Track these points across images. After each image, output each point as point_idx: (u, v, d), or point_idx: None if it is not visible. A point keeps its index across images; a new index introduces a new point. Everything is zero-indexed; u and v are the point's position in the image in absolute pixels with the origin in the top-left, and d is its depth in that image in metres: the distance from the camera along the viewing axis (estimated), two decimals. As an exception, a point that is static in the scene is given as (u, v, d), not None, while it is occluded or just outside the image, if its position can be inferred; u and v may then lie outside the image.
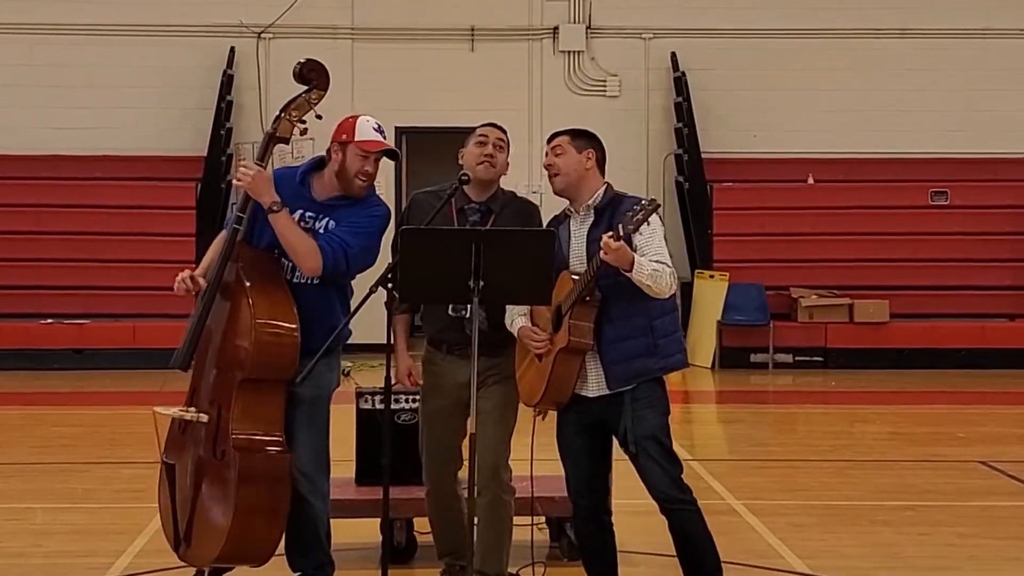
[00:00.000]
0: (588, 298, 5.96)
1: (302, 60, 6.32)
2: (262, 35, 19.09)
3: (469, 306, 5.97)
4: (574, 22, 19.36)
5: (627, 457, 6.13)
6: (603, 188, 6.23)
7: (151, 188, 18.47)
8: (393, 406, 6.52)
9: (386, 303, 6.00)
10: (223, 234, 6.40)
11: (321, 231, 6.22)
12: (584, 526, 6.41)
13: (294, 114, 6.26)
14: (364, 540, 7.55)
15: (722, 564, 6.22)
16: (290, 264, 6.21)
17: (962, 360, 17.55)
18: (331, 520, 6.52)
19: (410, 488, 7.21)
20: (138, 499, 7.14)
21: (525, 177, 17.73)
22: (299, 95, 6.30)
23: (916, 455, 11.46)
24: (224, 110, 18.77)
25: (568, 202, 6.28)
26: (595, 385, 6.09)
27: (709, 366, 17.51)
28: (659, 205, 5.91)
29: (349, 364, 14.88)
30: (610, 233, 5.75)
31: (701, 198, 18.63)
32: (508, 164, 6.70)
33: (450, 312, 6.44)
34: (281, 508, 6.04)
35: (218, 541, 5.95)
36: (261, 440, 6.02)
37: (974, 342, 17.81)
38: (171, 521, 6.14)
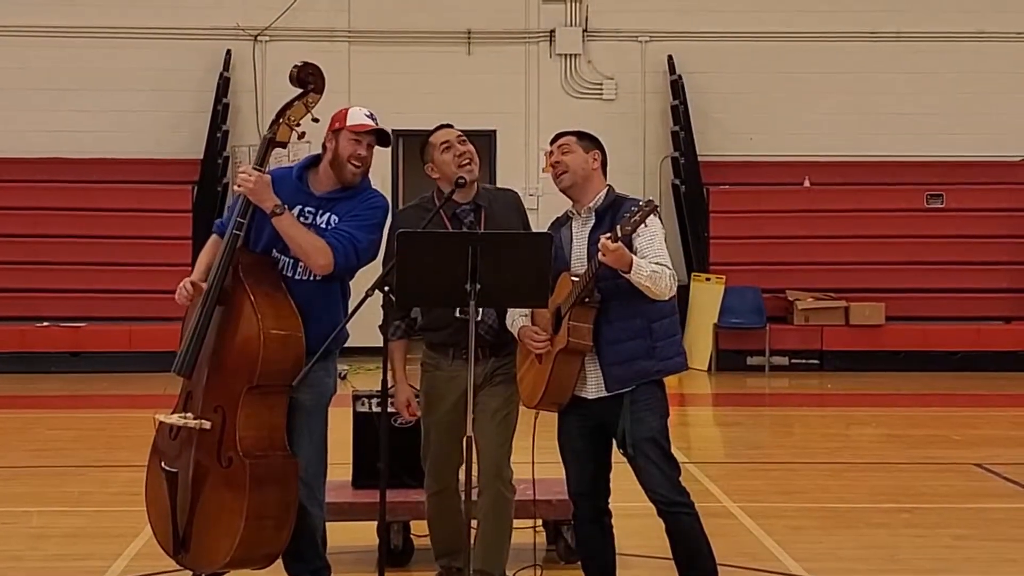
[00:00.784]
0: (587, 299, 5.97)
1: (299, 63, 6.33)
2: (258, 38, 19.10)
3: (480, 308, 5.99)
4: (571, 25, 19.37)
5: (624, 459, 6.15)
6: (605, 190, 6.26)
7: (147, 191, 18.46)
8: (390, 409, 6.51)
9: (383, 305, 6.01)
10: (214, 238, 6.41)
11: (323, 226, 6.22)
12: (584, 527, 6.41)
13: (292, 118, 6.27)
14: (361, 543, 7.56)
15: (718, 567, 6.23)
16: (289, 261, 6.21)
17: (958, 363, 17.57)
18: (328, 523, 6.52)
19: (407, 491, 7.23)
20: (135, 502, 7.11)
21: (522, 179, 17.78)
22: (296, 98, 6.30)
23: (912, 457, 11.48)
24: (220, 113, 18.78)
25: (570, 204, 6.30)
26: (594, 387, 6.10)
27: (705, 369, 17.53)
28: (657, 206, 5.92)
29: (346, 367, 14.92)
30: (608, 234, 5.77)
31: (697, 201, 18.64)
32: None
33: (458, 315, 6.34)
34: (290, 511, 6.06)
35: (228, 546, 5.96)
36: (269, 445, 6.04)
37: (970, 345, 17.82)
38: (169, 527, 6.13)
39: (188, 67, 19.02)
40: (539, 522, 7.48)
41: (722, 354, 17.70)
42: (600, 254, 5.77)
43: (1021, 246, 18.53)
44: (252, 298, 6.01)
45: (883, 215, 18.61)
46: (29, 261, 17.96)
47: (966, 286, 18.31)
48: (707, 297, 17.82)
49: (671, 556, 6.23)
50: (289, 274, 6.22)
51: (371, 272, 6.15)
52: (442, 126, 6.74)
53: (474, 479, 6.00)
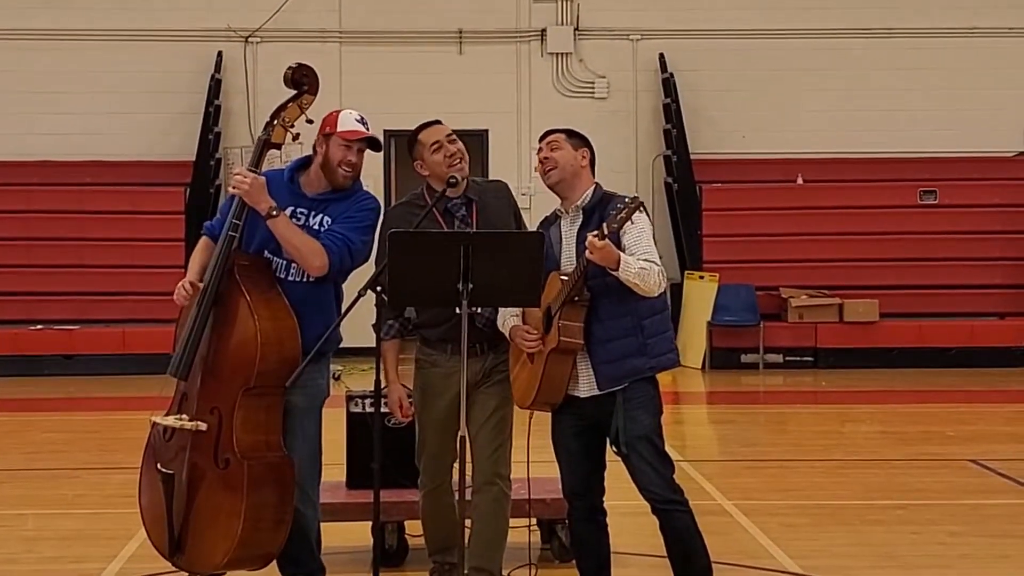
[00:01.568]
0: (577, 298, 5.97)
1: (293, 64, 6.34)
2: (249, 39, 19.08)
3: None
4: (562, 24, 19.37)
5: (618, 457, 6.14)
6: (592, 188, 6.25)
7: (140, 193, 18.43)
8: (383, 409, 6.50)
9: (376, 304, 6.01)
10: (205, 240, 6.39)
11: (315, 227, 6.23)
12: (579, 526, 6.40)
13: (286, 119, 6.28)
14: (355, 544, 7.56)
15: (713, 564, 6.23)
16: (282, 262, 6.22)
17: (952, 359, 17.56)
18: (322, 524, 6.52)
19: (401, 491, 7.22)
20: (129, 504, 7.09)
21: (514, 179, 17.75)
22: (290, 100, 6.32)
23: (907, 454, 11.48)
24: (212, 115, 18.76)
25: (559, 202, 6.29)
26: (586, 386, 6.10)
27: (699, 367, 17.51)
28: (642, 203, 5.93)
29: (339, 368, 14.87)
30: (595, 232, 5.76)
31: (690, 199, 18.64)
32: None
33: (457, 310, 6.35)
34: (287, 512, 6.08)
35: (225, 547, 5.96)
36: (266, 447, 6.05)
37: (964, 341, 17.82)
38: (165, 529, 6.12)
39: (180, 69, 19.00)
40: (534, 521, 7.48)
41: (716, 352, 17.69)
42: (587, 252, 5.78)
43: (1015, 242, 18.53)
44: (248, 300, 6.02)
45: (876, 212, 18.61)
46: (22, 264, 17.96)
47: (960, 282, 18.30)
48: (701, 295, 17.82)
49: (666, 554, 6.24)
50: (282, 275, 6.23)
51: (363, 273, 6.15)
52: (430, 123, 6.67)
53: (468, 478, 6.00)
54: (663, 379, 6.27)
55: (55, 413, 14.57)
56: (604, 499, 6.37)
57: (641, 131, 19.46)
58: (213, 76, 18.88)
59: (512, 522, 6.78)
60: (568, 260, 6.14)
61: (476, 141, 18.31)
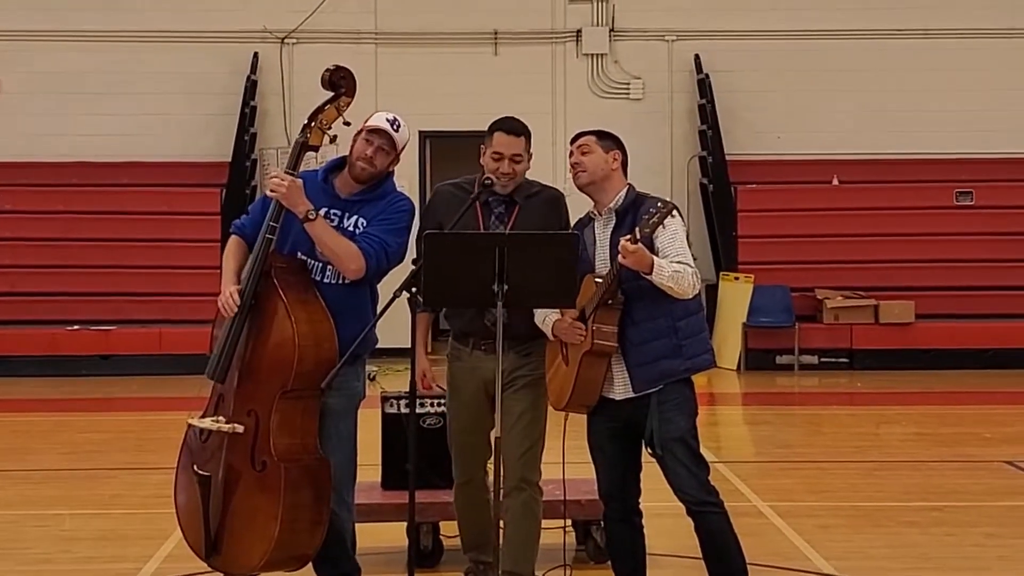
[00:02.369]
0: (611, 301, 5.97)
1: (331, 67, 6.32)
2: (285, 40, 19.12)
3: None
4: (597, 25, 19.35)
5: (653, 459, 6.14)
6: (625, 190, 6.24)
7: (176, 194, 18.50)
8: (419, 410, 6.52)
9: (409, 302, 6.01)
10: (235, 239, 6.40)
11: (349, 228, 6.24)
12: (615, 527, 6.41)
13: (324, 122, 6.28)
14: (390, 544, 7.57)
15: (748, 566, 6.23)
16: (318, 264, 6.23)
17: (988, 360, 17.47)
18: (357, 525, 6.54)
19: (436, 492, 7.23)
20: (165, 504, 7.12)
21: (549, 180, 17.64)
22: (327, 102, 6.31)
23: (942, 456, 11.44)
24: (248, 116, 18.81)
25: (592, 204, 6.29)
26: (621, 388, 6.11)
27: (734, 368, 17.48)
28: (675, 207, 5.93)
29: (375, 369, 14.93)
30: (628, 236, 5.76)
31: (725, 200, 18.60)
32: (531, 155, 6.67)
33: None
34: (323, 514, 6.09)
35: (263, 549, 5.98)
36: (302, 449, 6.07)
37: (1000, 342, 17.72)
38: (201, 530, 6.14)
39: (215, 70, 19.05)
40: (569, 522, 7.48)
41: (751, 353, 17.65)
42: (620, 256, 5.77)
43: (1051, 243, 18.44)
44: (286, 302, 6.03)
45: (912, 213, 18.53)
46: (59, 265, 18.03)
47: (996, 283, 18.22)
48: (736, 296, 17.78)
49: (701, 556, 6.24)
50: (318, 277, 6.24)
51: (399, 274, 6.16)
52: (511, 129, 6.61)
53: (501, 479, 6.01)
54: (698, 380, 6.27)
55: (92, 413, 14.64)
56: (640, 501, 6.37)
57: (676, 132, 19.43)
58: (249, 77, 18.93)
59: (547, 523, 6.79)
60: (602, 263, 6.14)
61: (511, 142, 18.28)
